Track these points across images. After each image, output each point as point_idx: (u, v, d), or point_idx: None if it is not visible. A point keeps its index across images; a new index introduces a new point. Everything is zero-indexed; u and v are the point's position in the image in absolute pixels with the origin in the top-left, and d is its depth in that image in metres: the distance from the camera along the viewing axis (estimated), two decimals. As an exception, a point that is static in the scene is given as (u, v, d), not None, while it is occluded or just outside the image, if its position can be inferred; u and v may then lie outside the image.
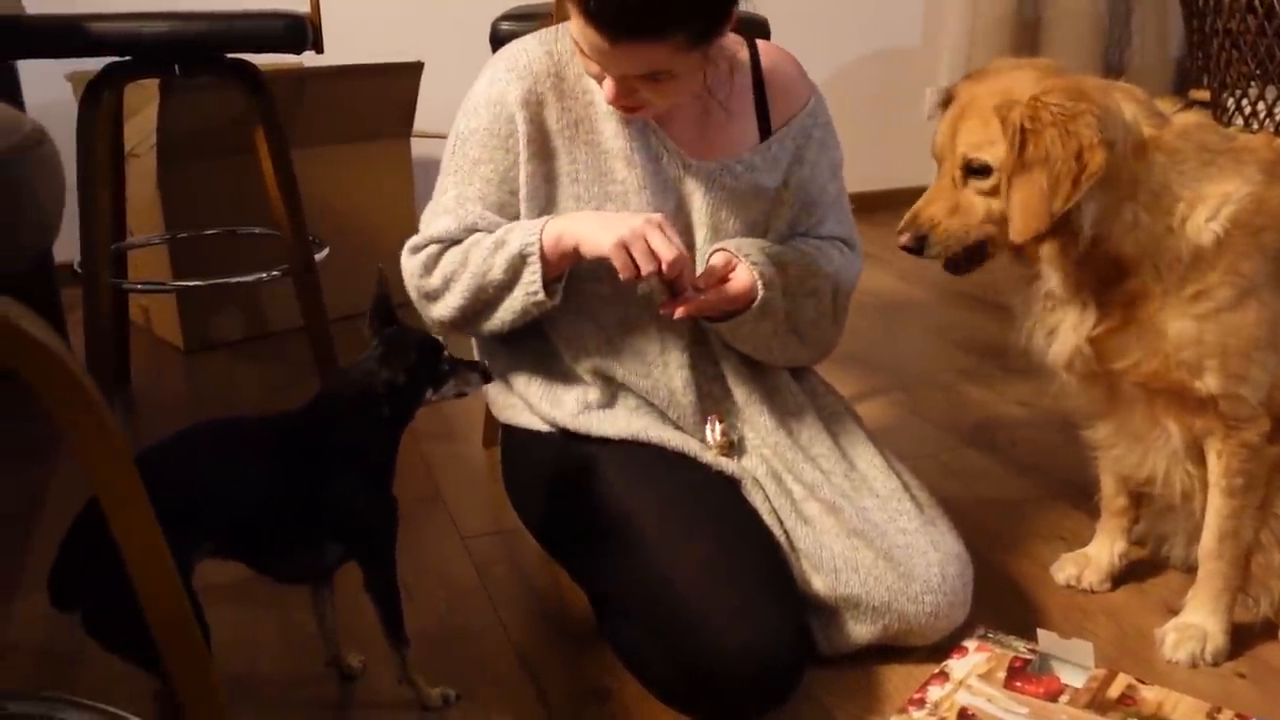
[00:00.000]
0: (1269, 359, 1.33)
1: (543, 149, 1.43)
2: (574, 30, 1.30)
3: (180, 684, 0.87)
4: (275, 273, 2.27)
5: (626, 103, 1.35)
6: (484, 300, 1.41)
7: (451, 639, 1.51)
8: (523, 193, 1.43)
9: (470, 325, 1.47)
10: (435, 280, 1.44)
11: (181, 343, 2.70)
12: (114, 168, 2.26)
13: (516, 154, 1.42)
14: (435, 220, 1.45)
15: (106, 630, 1.15)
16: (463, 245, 1.42)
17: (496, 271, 1.38)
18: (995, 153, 1.30)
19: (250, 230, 2.60)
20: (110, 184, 2.19)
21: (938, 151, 1.38)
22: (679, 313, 1.36)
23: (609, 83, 1.32)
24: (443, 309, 1.45)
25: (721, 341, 1.50)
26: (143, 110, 2.67)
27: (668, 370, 1.48)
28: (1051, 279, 1.38)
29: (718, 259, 1.42)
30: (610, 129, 1.44)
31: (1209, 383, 1.33)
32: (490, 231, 1.42)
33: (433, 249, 1.44)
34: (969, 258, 1.38)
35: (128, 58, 1.94)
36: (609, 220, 1.33)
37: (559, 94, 1.43)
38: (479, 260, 1.39)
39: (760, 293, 1.40)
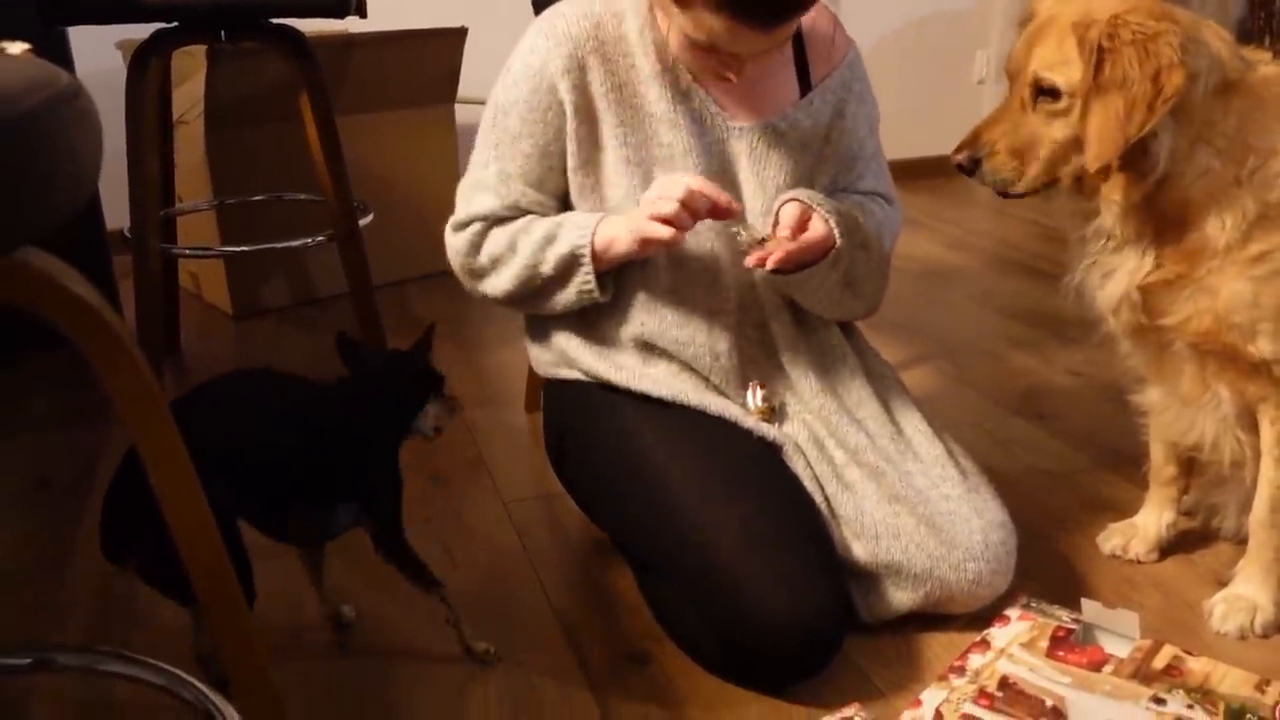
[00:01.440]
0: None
1: (589, 113, 1.42)
2: (693, 28, 1.30)
3: (221, 635, 0.89)
4: (320, 238, 2.29)
5: (733, 75, 1.36)
6: (534, 288, 1.45)
7: (493, 602, 1.52)
8: (572, 163, 1.44)
9: (520, 306, 1.51)
10: (482, 260, 1.47)
11: (230, 308, 2.74)
12: (163, 135, 2.29)
13: (557, 127, 1.42)
14: (476, 196, 1.47)
15: (158, 577, 1.19)
16: (509, 229, 1.45)
17: (548, 267, 1.42)
18: (1068, 74, 1.26)
19: (296, 196, 2.62)
20: (159, 151, 2.22)
21: (1010, 68, 1.34)
22: (770, 263, 1.34)
23: (732, 67, 1.34)
24: (491, 288, 1.49)
25: (770, 305, 1.50)
26: (191, 78, 2.70)
27: (713, 334, 1.47)
28: (1109, 216, 1.34)
29: (791, 209, 1.40)
30: (654, 93, 1.43)
31: (1262, 347, 1.29)
32: (532, 211, 1.46)
33: (477, 227, 1.46)
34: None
35: (174, 24, 1.96)
36: (630, 222, 1.37)
37: (601, 57, 1.42)
38: (529, 251, 1.42)
39: (837, 240, 1.39)
